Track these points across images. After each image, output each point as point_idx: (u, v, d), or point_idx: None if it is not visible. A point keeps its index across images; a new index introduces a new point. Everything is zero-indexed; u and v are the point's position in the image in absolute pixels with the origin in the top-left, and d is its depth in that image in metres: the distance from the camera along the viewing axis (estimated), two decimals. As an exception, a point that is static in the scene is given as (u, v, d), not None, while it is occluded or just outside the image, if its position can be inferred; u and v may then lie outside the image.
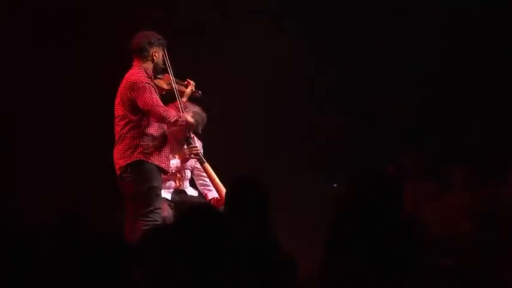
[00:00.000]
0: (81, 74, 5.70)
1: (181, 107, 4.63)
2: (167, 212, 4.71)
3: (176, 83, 4.70)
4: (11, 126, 5.68)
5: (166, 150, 4.55)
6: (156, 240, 2.59)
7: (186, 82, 4.78)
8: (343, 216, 2.85)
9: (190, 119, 4.64)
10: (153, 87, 4.44)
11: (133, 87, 4.35)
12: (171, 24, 5.54)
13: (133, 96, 4.35)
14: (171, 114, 4.47)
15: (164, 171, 4.54)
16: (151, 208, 4.40)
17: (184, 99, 4.72)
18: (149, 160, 4.41)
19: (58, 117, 5.74)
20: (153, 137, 4.45)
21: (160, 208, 4.48)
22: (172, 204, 4.87)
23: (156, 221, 4.37)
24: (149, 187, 4.41)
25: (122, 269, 2.40)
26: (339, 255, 2.74)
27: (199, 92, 4.83)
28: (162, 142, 4.50)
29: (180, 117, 4.52)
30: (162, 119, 4.43)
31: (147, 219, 4.38)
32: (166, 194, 4.89)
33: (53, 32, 5.68)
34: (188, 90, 4.74)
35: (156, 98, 4.41)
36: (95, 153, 4.92)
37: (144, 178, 4.41)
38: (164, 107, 4.45)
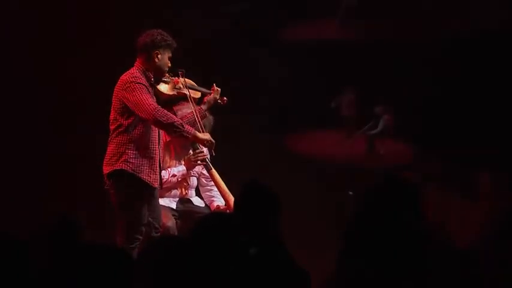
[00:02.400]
0: (77, 76, 5.56)
1: (196, 115, 4.31)
2: (171, 222, 4.42)
3: (189, 88, 4.37)
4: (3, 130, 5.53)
5: (155, 162, 4.16)
6: (159, 252, 2.39)
7: (211, 88, 4.43)
8: (358, 224, 2.72)
9: (207, 136, 4.24)
10: (146, 87, 4.07)
11: (124, 86, 4.03)
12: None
13: (124, 97, 4.03)
14: (165, 114, 4.03)
15: (149, 186, 4.13)
16: (130, 227, 4.05)
17: (204, 107, 4.41)
18: (132, 171, 4.04)
19: (53, 121, 5.59)
20: (142, 146, 4.10)
21: (141, 228, 4.10)
22: (176, 214, 4.57)
23: (134, 242, 4.02)
24: (129, 202, 4.06)
25: (121, 282, 2.24)
26: (353, 264, 2.62)
27: (225, 98, 4.48)
28: (152, 153, 4.13)
29: (183, 125, 4.12)
30: (153, 119, 3.98)
31: (126, 238, 4.03)
32: (170, 203, 4.60)
33: (49, 33, 5.51)
34: (211, 98, 4.39)
35: (147, 96, 4.01)
36: (89, 157, 4.68)
37: (124, 191, 4.07)
38: (157, 106, 4.04)
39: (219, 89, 4.44)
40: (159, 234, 4.23)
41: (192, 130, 4.16)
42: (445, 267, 2.68)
